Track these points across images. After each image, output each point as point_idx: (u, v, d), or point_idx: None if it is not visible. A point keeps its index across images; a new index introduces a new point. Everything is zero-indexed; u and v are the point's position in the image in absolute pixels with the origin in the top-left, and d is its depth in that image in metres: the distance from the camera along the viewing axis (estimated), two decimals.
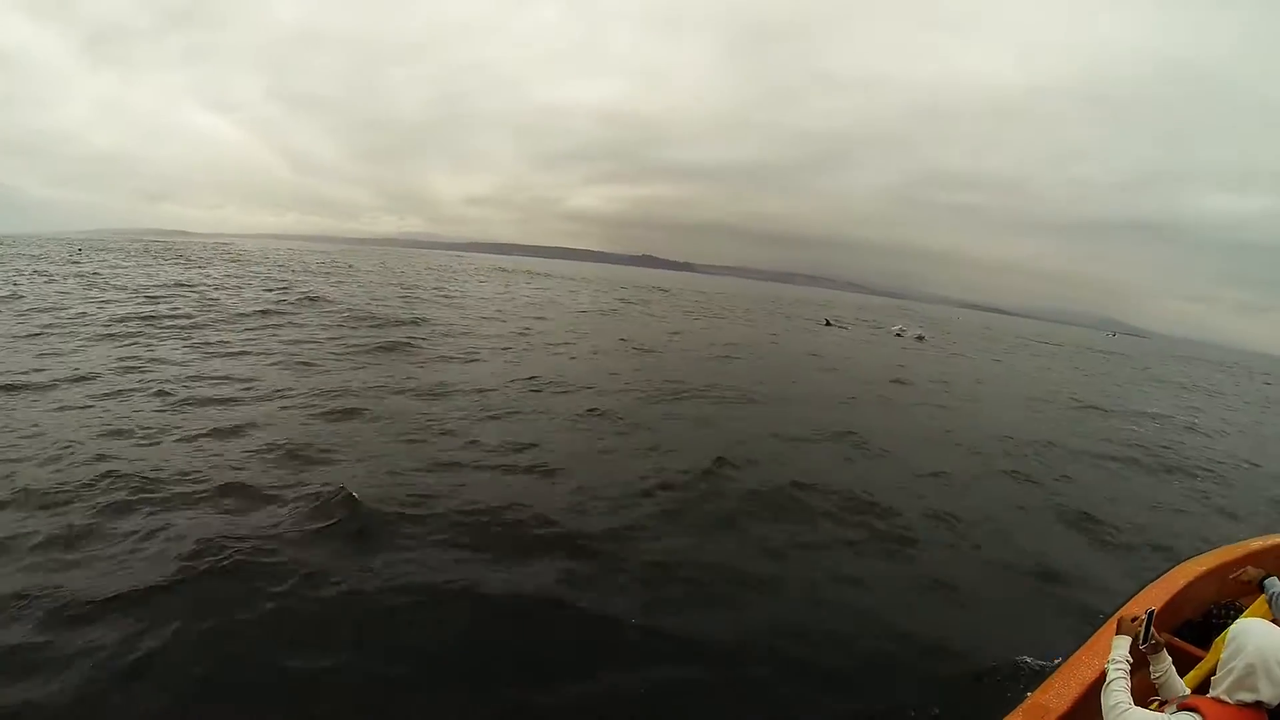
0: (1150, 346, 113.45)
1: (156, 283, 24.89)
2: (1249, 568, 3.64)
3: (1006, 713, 2.72)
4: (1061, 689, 2.80)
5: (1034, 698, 2.80)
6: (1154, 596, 3.67)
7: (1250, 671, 2.08)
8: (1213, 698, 2.17)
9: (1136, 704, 2.28)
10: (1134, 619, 2.66)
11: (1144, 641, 2.61)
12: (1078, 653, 3.06)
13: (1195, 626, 3.74)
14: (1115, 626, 2.70)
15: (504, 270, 77.44)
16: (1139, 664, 2.61)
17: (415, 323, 18.81)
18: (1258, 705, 2.08)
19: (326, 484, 6.09)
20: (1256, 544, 4.55)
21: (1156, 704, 2.47)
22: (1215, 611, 3.88)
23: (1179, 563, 4.32)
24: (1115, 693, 2.32)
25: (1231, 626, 2.30)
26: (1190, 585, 3.90)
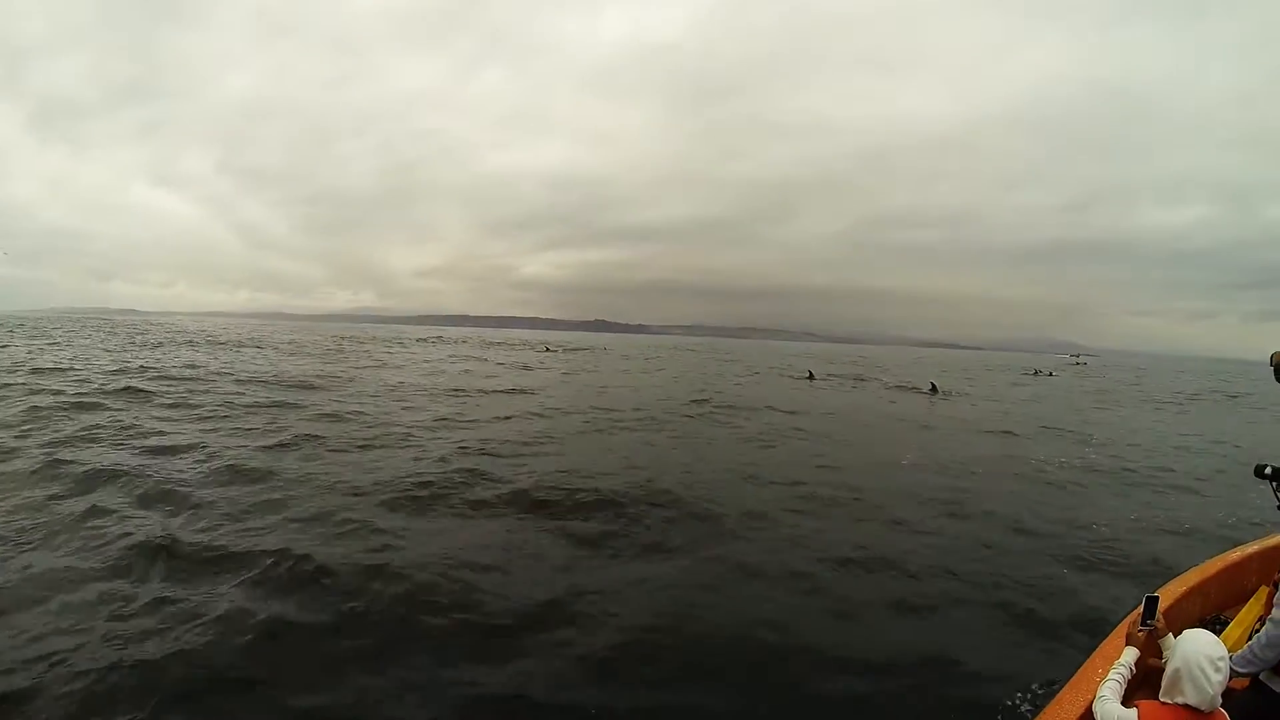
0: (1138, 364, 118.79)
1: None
2: None
3: None
4: None
5: None
6: (1162, 597, 3.55)
7: (1177, 677, 2.27)
8: (1159, 700, 2.34)
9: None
10: (1140, 629, 2.84)
11: (1143, 624, 2.81)
12: (1061, 693, 2.88)
13: (1205, 624, 3.75)
14: (1122, 640, 2.91)
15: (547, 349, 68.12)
16: (1154, 654, 2.80)
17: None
18: (1189, 708, 2.22)
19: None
20: (1254, 547, 4.64)
21: None
22: (1216, 618, 3.98)
23: (1193, 565, 4.41)
24: (1104, 685, 2.53)
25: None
26: (1194, 589, 3.99)
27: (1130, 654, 2.78)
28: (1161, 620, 2.88)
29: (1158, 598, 2.94)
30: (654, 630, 5.17)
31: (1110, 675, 2.60)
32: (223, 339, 57.04)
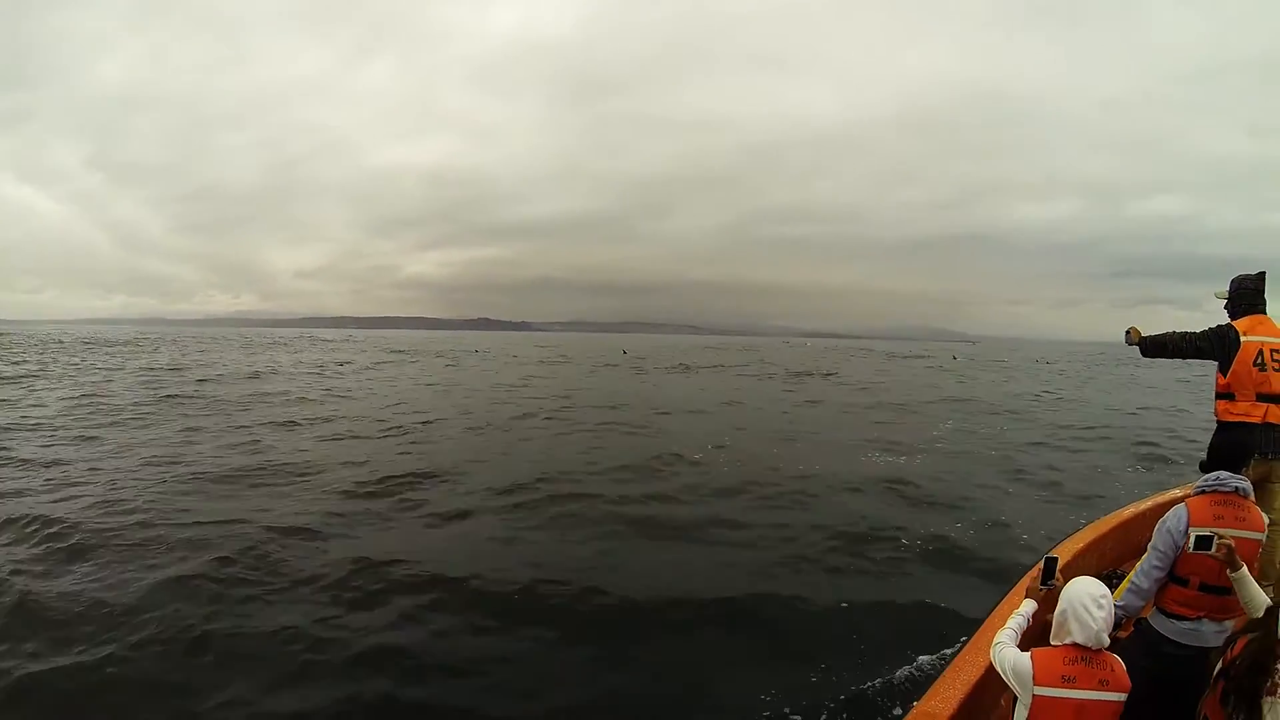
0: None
1: None
2: None
3: None
4: (947, 693, 2.73)
5: (920, 706, 2.71)
6: (1060, 555, 3.77)
7: (1064, 618, 2.34)
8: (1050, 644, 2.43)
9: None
10: (1040, 589, 2.80)
11: (1043, 584, 2.79)
12: (962, 652, 3.02)
13: (1103, 579, 3.80)
14: (1020, 596, 2.92)
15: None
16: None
17: None
18: (1078, 647, 2.30)
19: None
20: (1148, 503, 5.06)
21: None
22: (1112, 573, 4.12)
23: (1090, 523, 4.73)
24: (1001, 632, 2.54)
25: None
26: (1090, 545, 4.27)
27: (1029, 605, 2.76)
28: (1060, 579, 2.74)
29: (1056, 558, 2.91)
30: None
31: (1008, 624, 2.61)
32: None
